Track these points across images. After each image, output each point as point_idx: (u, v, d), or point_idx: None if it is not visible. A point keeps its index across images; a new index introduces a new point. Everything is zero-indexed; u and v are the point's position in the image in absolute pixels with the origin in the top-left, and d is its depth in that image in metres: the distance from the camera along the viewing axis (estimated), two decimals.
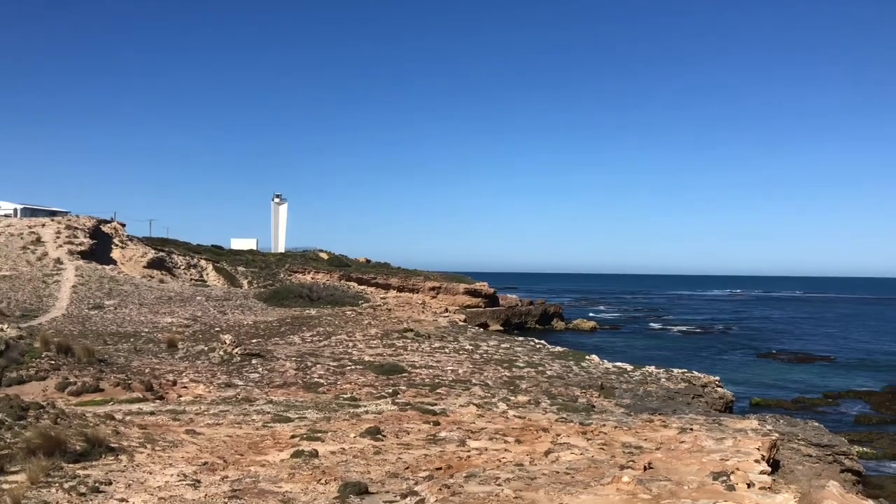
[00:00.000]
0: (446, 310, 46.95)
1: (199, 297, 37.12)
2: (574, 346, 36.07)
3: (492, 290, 77.41)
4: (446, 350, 24.08)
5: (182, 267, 54.26)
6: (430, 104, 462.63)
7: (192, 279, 51.81)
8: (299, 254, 73.49)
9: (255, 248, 74.73)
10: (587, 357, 24.82)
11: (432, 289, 72.65)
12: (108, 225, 55.54)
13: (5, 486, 7.02)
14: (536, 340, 29.36)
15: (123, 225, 55.09)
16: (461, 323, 35.63)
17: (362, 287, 57.99)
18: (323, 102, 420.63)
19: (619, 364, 24.12)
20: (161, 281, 43.90)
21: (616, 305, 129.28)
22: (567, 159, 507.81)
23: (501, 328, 68.41)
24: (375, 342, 24.94)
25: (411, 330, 28.05)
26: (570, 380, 19.91)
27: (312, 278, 61.88)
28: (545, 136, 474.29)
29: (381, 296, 48.28)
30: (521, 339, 29.72)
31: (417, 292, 70.05)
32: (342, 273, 67.59)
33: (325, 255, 73.75)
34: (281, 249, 78.40)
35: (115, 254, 49.15)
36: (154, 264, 49.62)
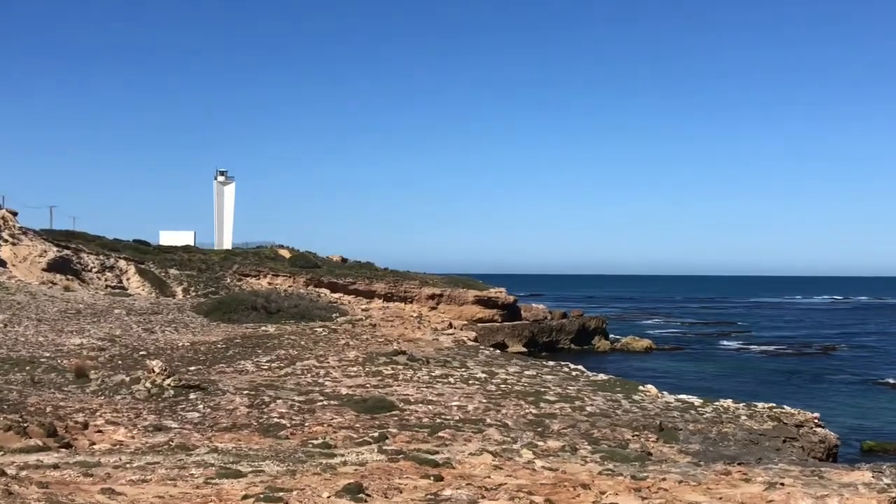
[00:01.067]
0: (450, 325, 47.02)
1: (117, 311, 37.16)
2: (623, 374, 36.22)
3: (511, 299, 77.91)
4: (451, 379, 24.29)
5: (95, 269, 54.65)
6: (425, 42, 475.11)
7: (108, 286, 52.29)
8: (252, 251, 73.93)
9: (192, 243, 75.24)
10: (641, 388, 24.89)
11: (431, 297, 73.12)
12: None
13: None
14: (572, 366, 29.64)
15: (15, 213, 55.05)
16: (470, 343, 36.18)
17: (337, 295, 58.63)
18: (275, 50, 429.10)
19: (683, 397, 24.21)
20: (66, 289, 44.16)
21: (678, 317, 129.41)
22: (608, 122, 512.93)
23: (524, 349, 68.80)
24: (355, 369, 25.16)
25: (403, 352, 28.21)
26: (618, 418, 19.96)
27: (270, 284, 62.58)
28: (578, 93, 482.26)
29: (363, 307, 48.90)
30: (551, 363, 29.96)
31: (411, 302, 70.69)
32: (310, 276, 68.27)
33: (286, 253, 74.17)
34: (227, 245, 78.88)
35: (4, 252, 49.35)
36: (57, 266, 49.96)
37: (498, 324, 73.11)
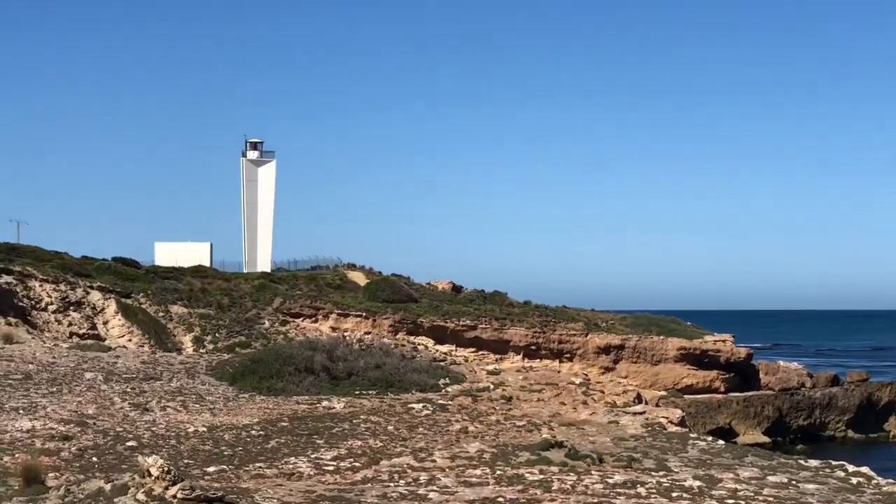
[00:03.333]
0: (638, 398, 46.22)
1: (90, 374, 37.75)
2: None
3: (742, 353, 77.55)
4: (641, 490, 24.06)
5: (53, 307, 56.25)
6: None
7: (73, 333, 53.91)
8: (304, 274, 75.98)
9: (207, 263, 77.80)
10: None
11: (605, 350, 72.90)
12: None
13: None
14: (851, 468, 28.61)
15: None
16: (674, 428, 35.94)
17: (446, 348, 59.45)
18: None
19: None
20: (7, 338, 44.94)
21: None
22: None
23: (766, 438, 67.50)
24: (479, 473, 25.28)
25: (560, 444, 28.34)
26: None
27: (335, 329, 63.87)
28: None
29: (490, 367, 48.58)
30: (813, 463, 29.34)
31: (571, 358, 70.79)
32: (400, 317, 68.94)
33: (360, 277, 76.10)
34: (264, 266, 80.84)
35: None
36: None
37: (720, 395, 73.01)
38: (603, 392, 43.79)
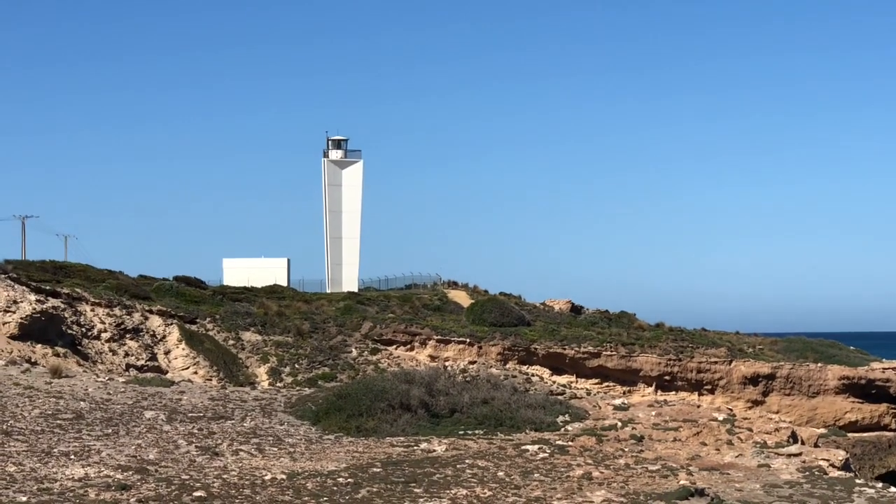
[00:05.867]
0: (792, 435, 44.20)
1: (150, 413, 37.20)
2: None
3: None
4: None
5: (106, 335, 55.27)
6: None
7: (130, 365, 52.97)
8: (398, 294, 73.82)
9: (284, 282, 76.07)
10: None
11: (751, 380, 69.87)
12: None
13: None
14: None
15: None
16: (835, 471, 34.55)
17: (565, 379, 58.72)
18: None
19: None
20: (55, 371, 44.05)
21: None
22: None
23: None
24: None
25: (701, 492, 27.57)
26: None
27: (433, 358, 62.15)
28: None
29: (616, 401, 46.97)
30: None
31: (712, 391, 67.93)
32: (511, 344, 66.52)
33: (462, 297, 73.84)
34: (351, 285, 78.81)
35: None
36: (37, 330, 50.87)
37: (891, 433, 69.71)
38: (751, 430, 41.47)
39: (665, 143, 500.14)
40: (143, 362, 54.55)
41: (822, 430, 64.04)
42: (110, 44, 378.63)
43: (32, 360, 46.34)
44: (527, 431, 37.10)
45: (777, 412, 64.53)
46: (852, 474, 35.10)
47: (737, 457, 34.53)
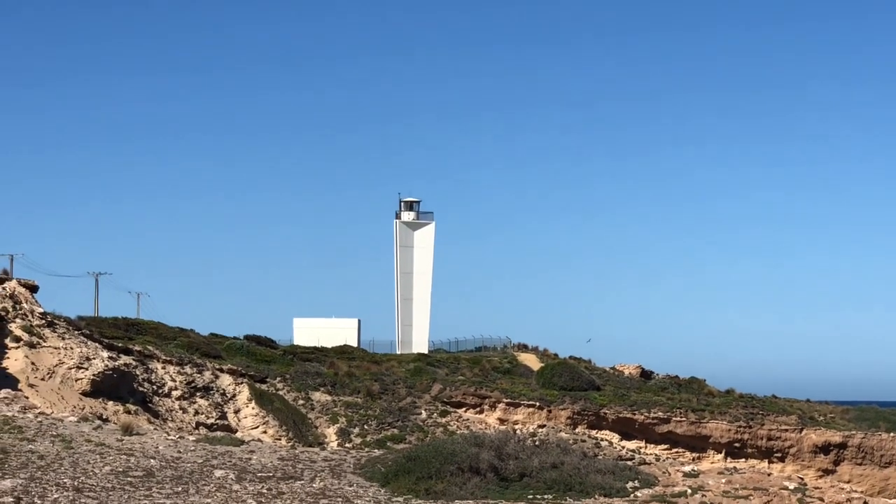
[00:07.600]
0: None
1: (220, 472, 37.02)
2: None
3: None
4: None
5: (176, 392, 55.51)
6: None
7: (200, 424, 53.11)
8: (468, 356, 73.67)
9: (355, 342, 75.91)
10: None
11: (823, 449, 68.13)
12: None
13: None
14: None
15: (34, 289, 55.38)
16: None
17: (634, 444, 58.41)
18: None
19: None
20: (127, 429, 43.74)
21: None
22: None
23: None
24: None
25: None
26: None
27: (503, 421, 61.87)
28: None
29: (685, 468, 45.83)
30: None
31: (783, 458, 66.45)
32: (580, 408, 66.07)
33: (532, 361, 73.34)
34: (421, 347, 78.55)
35: (13, 360, 49.68)
36: (108, 386, 50.88)
37: None
38: (822, 500, 41.01)
39: (745, 207, 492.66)
40: (212, 420, 54.72)
41: (894, 501, 62.25)
42: (187, 120, 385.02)
43: (104, 417, 46.49)
44: (596, 497, 36.69)
45: (848, 482, 63.27)
46: None
47: None
